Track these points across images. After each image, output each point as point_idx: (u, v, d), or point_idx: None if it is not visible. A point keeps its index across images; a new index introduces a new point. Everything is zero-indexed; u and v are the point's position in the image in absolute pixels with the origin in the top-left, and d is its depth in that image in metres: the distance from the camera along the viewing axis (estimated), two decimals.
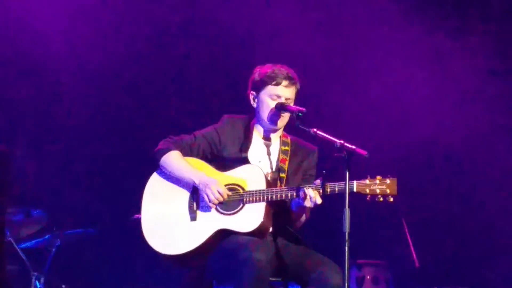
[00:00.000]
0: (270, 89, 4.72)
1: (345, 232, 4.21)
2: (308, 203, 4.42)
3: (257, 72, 4.79)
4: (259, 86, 4.77)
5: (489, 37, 7.46)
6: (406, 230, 6.91)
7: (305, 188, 4.43)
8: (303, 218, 4.68)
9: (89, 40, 7.15)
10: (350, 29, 7.51)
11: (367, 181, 4.44)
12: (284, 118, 4.73)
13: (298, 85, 4.78)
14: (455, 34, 7.45)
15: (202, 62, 7.42)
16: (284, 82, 4.71)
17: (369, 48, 7.51)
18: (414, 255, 6.88)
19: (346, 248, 4.21)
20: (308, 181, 4.65)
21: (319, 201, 4.41)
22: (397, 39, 7.46)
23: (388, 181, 4.44)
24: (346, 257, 4.20)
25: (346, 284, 4.24)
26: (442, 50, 7.52)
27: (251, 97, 4.82)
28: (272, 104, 4.70)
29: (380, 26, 7.46)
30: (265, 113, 4.74)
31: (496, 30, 7.47)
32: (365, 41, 7.52)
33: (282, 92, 4.71)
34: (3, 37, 6.96)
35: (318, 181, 4.47)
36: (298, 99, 4.78)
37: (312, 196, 4.40)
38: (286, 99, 4.71)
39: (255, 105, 4.81)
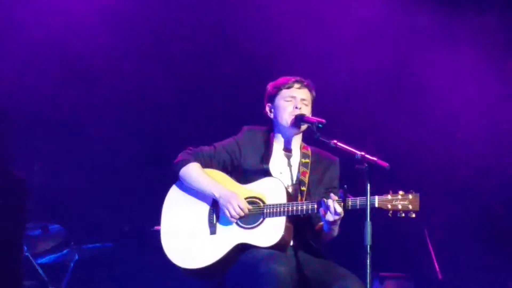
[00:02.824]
0: (284, 92, 4.79)
1: (367, 245, 4.23)
2: (330, 218, 4.42)
3: (270, 86, 4.88)
4: (273, 95, 4.83)
5: None
6: (429, 242, 6.91)
7: (326, 202, 4.44)
8: (331, 234, 4.65)
9: (107, 55, 7.16)
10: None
11: (389, 197, 4.43)
12: (303, 125, 4.76)
13: (313, 92, 4.85)
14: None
15: (223, 76, 7.43)
16: (296, 85, 4.79)
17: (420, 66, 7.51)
18: (437, 268, 6.89)
19: (368, 261, 4.23)
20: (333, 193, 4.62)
21: (339, 209, 4.39)
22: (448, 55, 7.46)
23: (410, 196, 4.43)
24: (368, 270, 4.22)
25: None
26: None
27: (268, 109, 4.87)
28: (287, 106, 4.74)
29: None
30: (283, 117, 4.76)
31: None
32: (416, 57, 7.53)
33: (296, 93, 4.77)
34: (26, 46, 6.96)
35: (333, 196, 4.46)
36: (317, 110, 4.82)
37: (331, 207, 4.40)
38: (302, 99, 4.76)
39: (272, 116, 4.84)
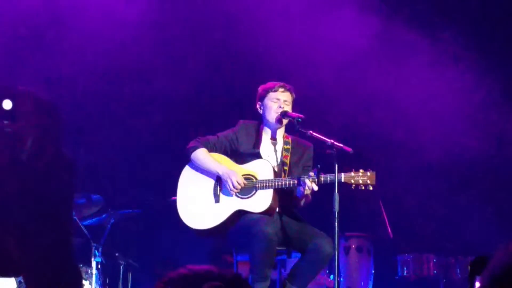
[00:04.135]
0: (271, 95, 4.74)
1: (335, 211, 4.24)
2: (306, 191, 4.44)
3: (260, 88, 4.84)
4: (263, 96, 4.79)
5: None
6: (383, 210, 6.91)
7: (303, 179, 4.45)
8: (304, 202, 4.66)
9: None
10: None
11: (352, 173, 4.44)
12: (285, 119, 4.74)
13: (293, 94, 4.79)
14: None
15: (227, 82, 7.33)
16: (281, 89, 4.74)
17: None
18: (389, 229, 6.89)
19: (336, 223, 4.24)
20: (306, 171, 4.63)
21: (315, 188, 4.42)
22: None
23: (368, 173, 4.44)
24: (336, 231, 4.23)
25: (336, 252, 4.27)
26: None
27: (258, 106, 4.83)
28: (273, 105, 4.71)
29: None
30: (270, 114, 4.73)
31: None
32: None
33: (280, 95, 4.73)
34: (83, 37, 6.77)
35: (312, 173, 4.47)
36: (296, 107, 4.80)
37: (309, 185, 4.42)
38: (284, 101, 4.73)
39: (261, 112, 4.81)
